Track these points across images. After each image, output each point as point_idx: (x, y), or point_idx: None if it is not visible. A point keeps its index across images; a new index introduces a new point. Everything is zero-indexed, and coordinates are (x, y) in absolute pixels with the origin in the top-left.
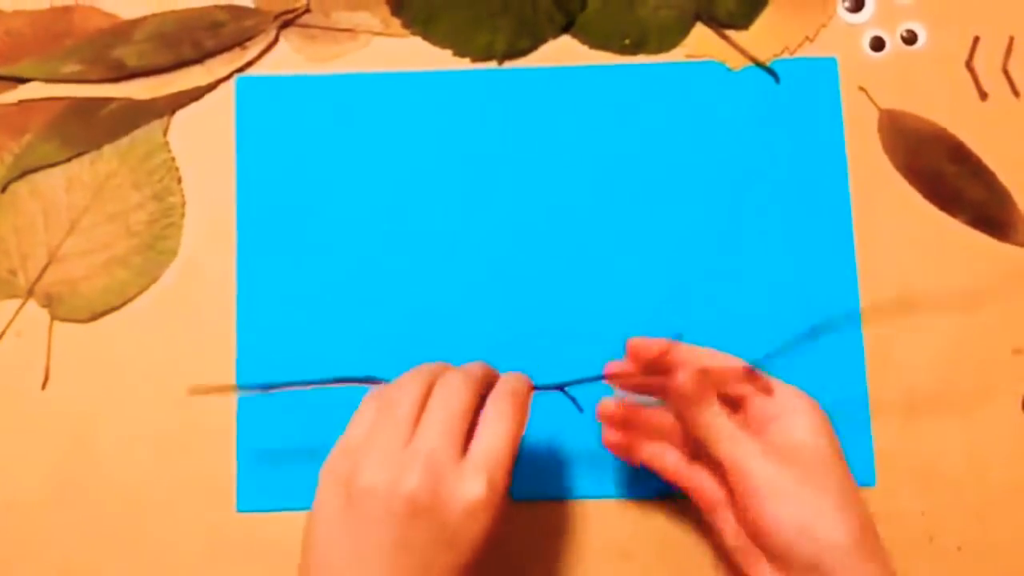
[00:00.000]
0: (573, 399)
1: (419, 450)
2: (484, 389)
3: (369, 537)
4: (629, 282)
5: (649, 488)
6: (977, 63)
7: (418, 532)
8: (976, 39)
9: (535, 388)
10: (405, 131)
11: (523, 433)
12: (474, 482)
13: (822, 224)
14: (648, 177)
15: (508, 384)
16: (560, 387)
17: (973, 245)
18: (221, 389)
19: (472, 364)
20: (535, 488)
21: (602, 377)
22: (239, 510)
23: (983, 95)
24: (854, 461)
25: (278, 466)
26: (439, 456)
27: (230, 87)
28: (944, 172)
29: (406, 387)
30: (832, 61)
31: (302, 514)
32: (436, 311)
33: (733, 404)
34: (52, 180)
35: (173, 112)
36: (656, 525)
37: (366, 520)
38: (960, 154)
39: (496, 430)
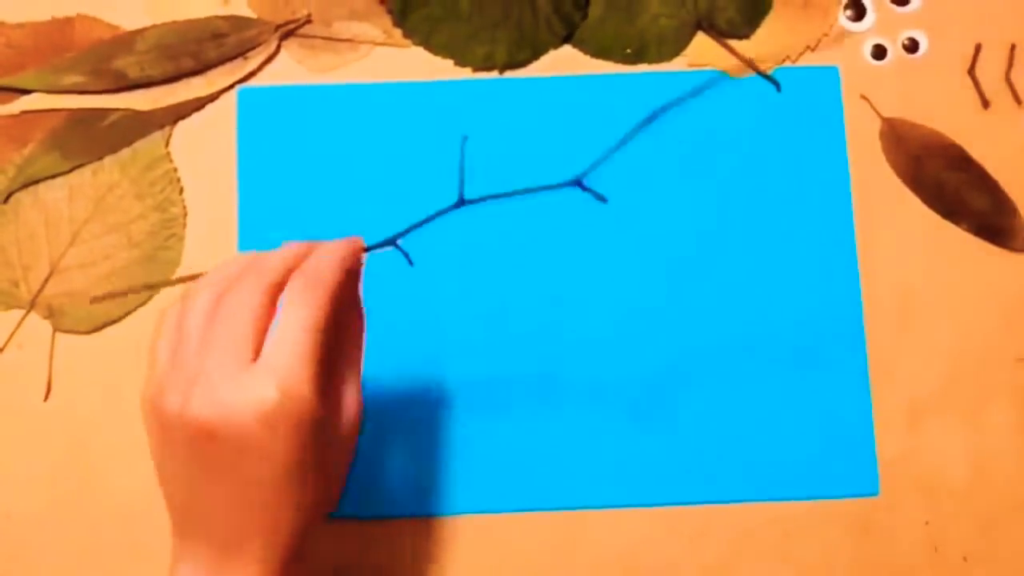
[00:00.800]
0: (405, 254)
1: (201, 367)
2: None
3: (183, 464)
4: (630, 288)
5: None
6: (979, 71)
7: (221, 454)
8: (978, 47)
9: (367, 249)
10: (407, 141)
11: (325, 318)
12: (259, 387)
13: (824, 233)
14: (650, 186)
15: (310, 263)
16: (392, 241)
17: (976, 254)
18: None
19: (283, 248)
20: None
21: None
22: None
23: (985, 103)
24: (858, 471)
25: None
26: (222, 368)
27: (231, 97)
28: (946, 181)
29: (196, 298)
30: (834, 70)
31: None
32: (438, 319)
33: None
34: (54, 191)
35: (175, 123)
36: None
37: (173, 446)
38: (962, 162)
39: (287, 321)
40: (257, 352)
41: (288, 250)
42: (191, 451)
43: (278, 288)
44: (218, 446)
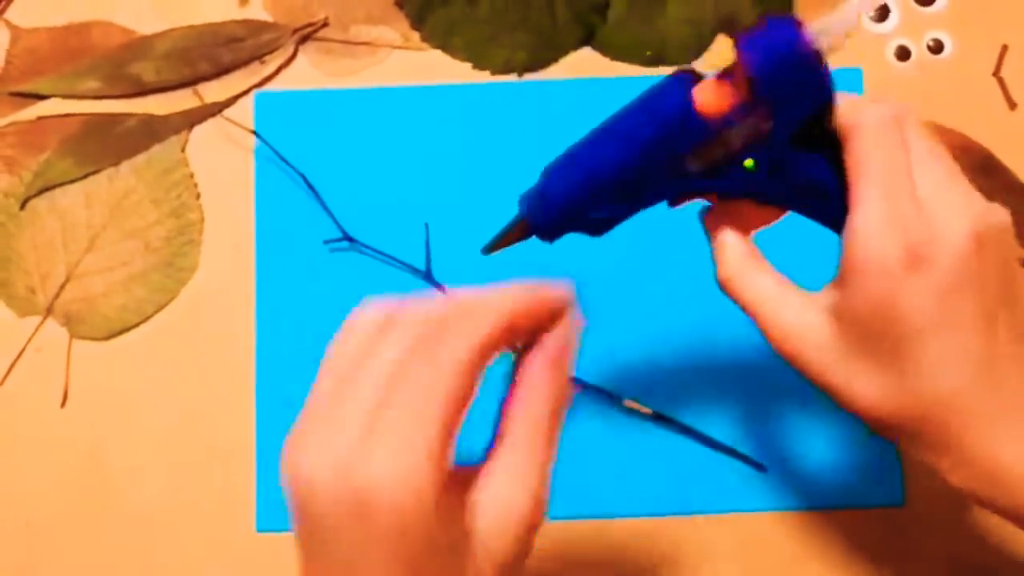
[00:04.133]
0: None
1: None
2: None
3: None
4: (642, 291)
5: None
6: (1005, 72)
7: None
8: (1004, 48)
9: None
10: (425, 145)
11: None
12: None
13: None
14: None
15: (556, 338)
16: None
17: None
18: None
19: (495, 294)
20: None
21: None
22: (259, 530)
23: (1012, 105)
24: (883, 481)
25: None
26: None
27: (248, 102)
28: (973, 184)
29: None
30: (857, 72)
31: None
32: None
33: None
34: (71, 197)
35: (191, 128)
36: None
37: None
38: (989, 166)
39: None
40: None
41: (504, 299)
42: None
43: (492, 349)
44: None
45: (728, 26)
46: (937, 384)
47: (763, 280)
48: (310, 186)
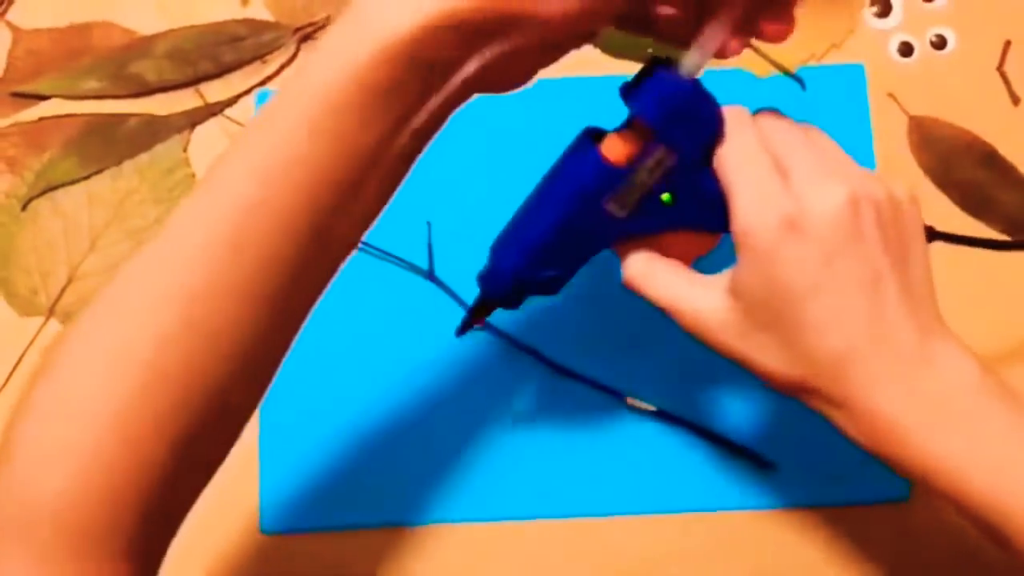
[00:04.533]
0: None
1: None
2: None
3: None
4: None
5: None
6: (1009, 67)
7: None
8: (1007, 43)
9: None
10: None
11: None
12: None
13: None
14: None
15: None
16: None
17: (1007, 253)
18: None
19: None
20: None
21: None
22: (263, 532)
23: (1015, 100)
24: (887, 476)
25: (302, 487)
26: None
27: (250, 101)
28: (976, 180)
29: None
30: (859, 68)
31: (327, 535)
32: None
33: None
34: (73, 197)
35: (193, 127)
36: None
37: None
38: (992, 161)
39: None
40: None
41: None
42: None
43: None
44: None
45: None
46: (824, 345)
47: (665, 275)
48: None
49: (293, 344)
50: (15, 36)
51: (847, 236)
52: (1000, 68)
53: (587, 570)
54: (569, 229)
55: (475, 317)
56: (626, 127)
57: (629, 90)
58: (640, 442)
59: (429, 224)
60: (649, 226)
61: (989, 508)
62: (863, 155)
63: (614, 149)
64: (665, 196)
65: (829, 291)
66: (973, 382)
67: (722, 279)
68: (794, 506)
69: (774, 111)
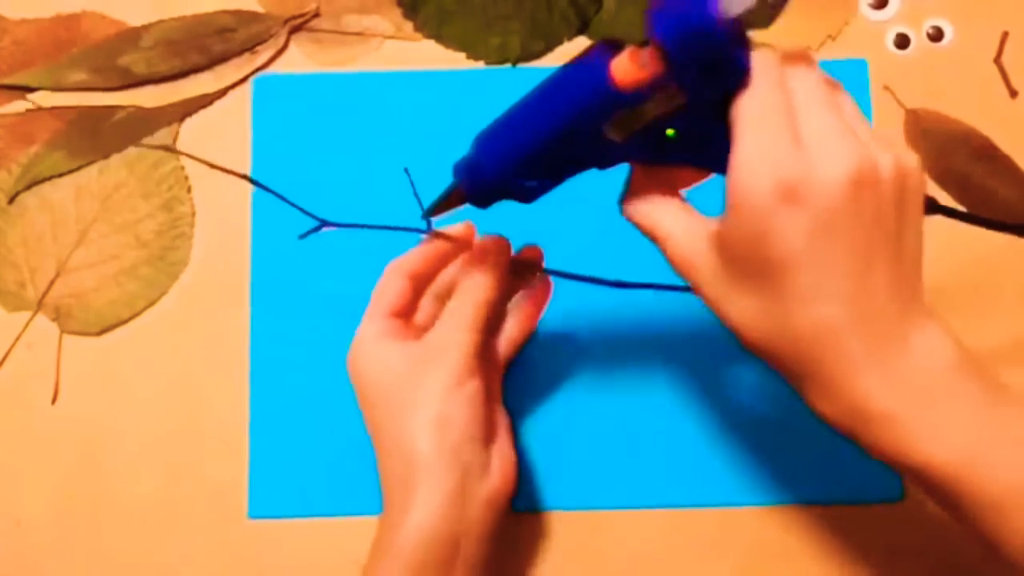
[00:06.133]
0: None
1: None
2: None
3: None
4: (656, 292)
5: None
6: (1006, 59)
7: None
8: (1005, 34)
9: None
10: (423, 129)
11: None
12: None
13: None
14: None
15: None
16: (325, 224)
17: (1004, 247)
18: None
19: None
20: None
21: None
22: (251, 516)
23: (1013, 92)
24: (881, 475)
25: (290, 472)
26: None
27: (240, 93)
28: (973, 172)
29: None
30: (863, 63)
31: (314, 520)
32: None
33: None
34: (60, 191)
35: (182, 120)
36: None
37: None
38: (990, 153)
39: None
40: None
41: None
42: None
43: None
44: None
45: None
46: (806, 316)
47: (663, 206)
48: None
49: None
50: (1, 27)
51: (845, 211)
52: (997, 60)
53: (579, 564)
54: (560, 145)
55: (443, 205)
56: (643, 46)
57: (654, 7)
58: (632, 439)
59: (407, 170)
60: (646, 156)
61: (955, 484)
62: None
63: (624, 71)
64: (669, 131)
65: (817, 264)
66: (949, 362)
67: (712, 224)
68: (787, 504)
69: (806, 54)
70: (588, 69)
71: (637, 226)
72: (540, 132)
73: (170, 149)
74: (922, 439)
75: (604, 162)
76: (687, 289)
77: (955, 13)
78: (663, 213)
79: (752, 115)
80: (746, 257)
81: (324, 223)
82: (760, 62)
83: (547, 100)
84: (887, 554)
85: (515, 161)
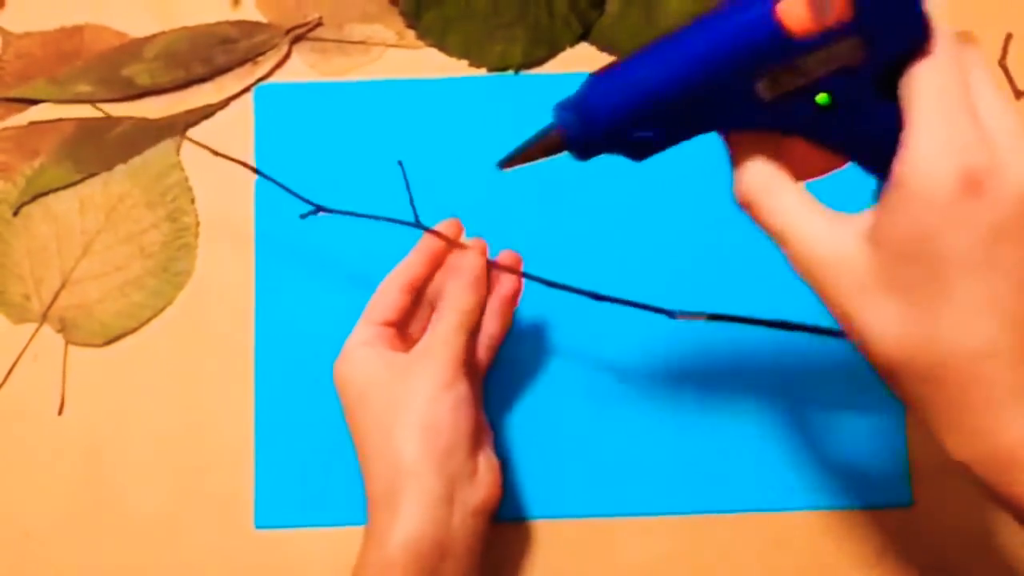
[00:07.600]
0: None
1: None
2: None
3: None
4: (645, 286)
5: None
6: (1010, 61)
7: None
8: (1009, 36)
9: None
10: (425, 137)
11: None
12: None
13: None
14: (668, 182)
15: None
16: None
17: None
18: None
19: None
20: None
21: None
22: (257, 527)
23: (1018, 94)
24: (891, 480)
25: (296, 482)
26: None
27: (243, 103)
28: None
29: None
30: None
31: (321, 530)
32: None
33: None
34: (65, 203)
35: (186, 130)
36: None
37: None
38: None
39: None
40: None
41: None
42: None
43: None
44: None
45: None
46: (963, 332)
47: (788, 199)
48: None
49: None
50: (5, 40)
51: None
52: (1002, 62)
53: (588, 572)
54: (700, 91)
55: (531, 152)
56: None
57: None
58: (641, 445)
59: (400, 163)
60: (788, 124)
61: None
62: None
63: (796, 15)
64: (822, 97)
65: (990, 272)
66: None
67: (858, 220)
68: (797, 510)
69: (971, 36)
70: (751, 10)
71: (758, 221)
72: (676, 75)
73: (214, 152)
74: None
75: (736, 123)
76: (665, 311)
77: (959, 14)
78: (796, 207)
79: (935, 88)
80: (909, 257)
81: (319, 208)
82: (941, 32)
83: (691, 41)
84: (897, 560)
85: (639, 105)
